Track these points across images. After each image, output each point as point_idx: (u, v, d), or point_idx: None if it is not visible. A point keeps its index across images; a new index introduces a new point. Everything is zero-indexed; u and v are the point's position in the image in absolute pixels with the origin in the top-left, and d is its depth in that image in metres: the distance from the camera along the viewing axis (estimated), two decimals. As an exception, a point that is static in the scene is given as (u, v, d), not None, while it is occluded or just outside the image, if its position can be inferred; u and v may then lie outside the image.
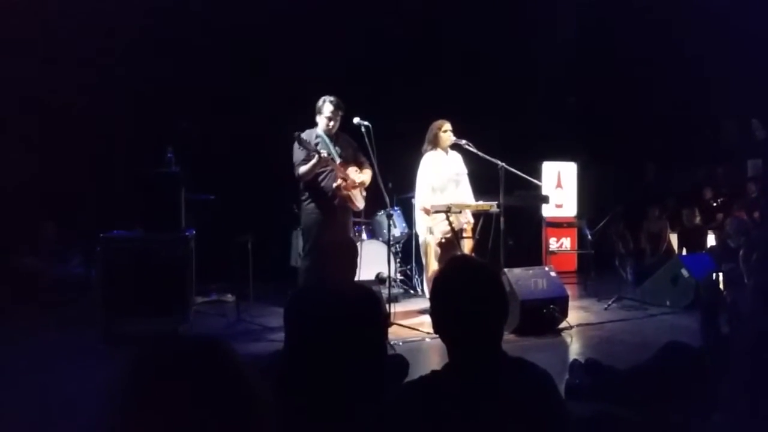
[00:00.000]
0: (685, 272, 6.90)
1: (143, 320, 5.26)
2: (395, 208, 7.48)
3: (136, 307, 5.33)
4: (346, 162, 5.72)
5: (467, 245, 6.29)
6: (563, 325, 5.86)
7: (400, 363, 3.63)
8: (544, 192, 7.58)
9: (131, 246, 5.51)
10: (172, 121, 6.27)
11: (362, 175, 5.74)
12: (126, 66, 7.46)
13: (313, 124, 5.74)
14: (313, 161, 5.45)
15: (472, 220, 6.38)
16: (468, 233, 6.35)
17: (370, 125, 5.67)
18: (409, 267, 8.10)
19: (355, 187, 5.71)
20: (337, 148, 5.71)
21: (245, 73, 8.01)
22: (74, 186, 7.18)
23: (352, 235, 6.30)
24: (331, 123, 5.65)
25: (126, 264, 5.41)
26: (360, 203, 5.89)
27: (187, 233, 5.78)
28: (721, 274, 4.89)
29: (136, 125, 7.33)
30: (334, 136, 5.73)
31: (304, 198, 5.72)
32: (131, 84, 7.49)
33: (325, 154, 5.48)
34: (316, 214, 5.64)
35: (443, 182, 6.35)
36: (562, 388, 3.90)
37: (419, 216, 6.46)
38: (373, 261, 7.23)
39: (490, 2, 8.61)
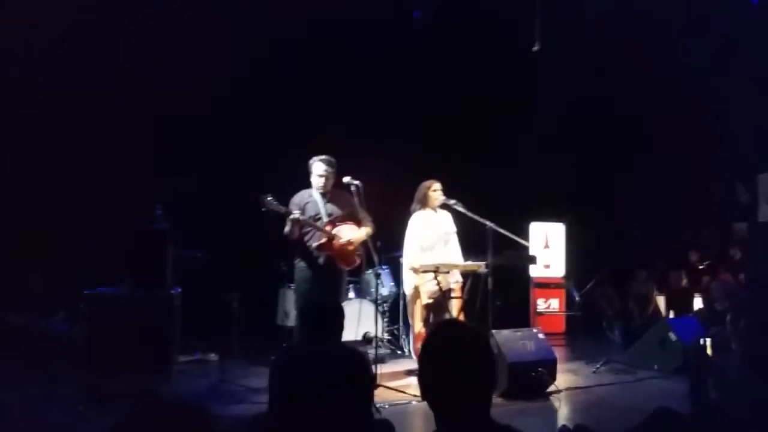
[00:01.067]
0: (672, 336, 6.89)
1: (125, 378, 5.16)
2: (383, 266, 7.47)
3: (119, 365, 5.23)
4: (339, 220, 5.75)
5: (455, 305, 6.26)
6: (552, 388, 5.80)
7: (386, 428, 3.55)
8: (531, 252, 7.61)
9: (115, 303, 5.45)
10: (163, 178, 6.30)
11: (354, 233, 5.75)
12: (119, 121, 7.51)
13: (308, 185, 5.81)
14: (288, 224, 5.55)
15: (460, 280, 6.37)
16: (457, 293, 6.33)
17: (360, 184, 5.74)
18: (396, 327, 8.03)
19: (343, 245, 5.71)
20: (328, 205, 5.76)
21: (237, 131, 8.08)
22: (61, 240, 7.14)
23: (343, 293, 6.28)
24: (323, 181, 5.72)
25: (109, 322, 5.34)
26: (352, 261, 5.88)
27: (172, 291, 5.73)
28: (708, 339, 4.88)
29: (126, 181, 7.34)
30: (327, 195, 5.78)
31: (295, 255, 5.78)
32: (123, 139, 7.52)
33: (298, 216, 5.53)
34: (305, 272, 5.72)
35: (432, 241, 6.36)
36: (550, 454, 3.84)
37: (407, 275, 6.44)
38: (360, 320, 7.17)
39: (479, 61, 8.79)
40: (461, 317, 6.11)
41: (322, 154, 5.88)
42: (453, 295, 6.28)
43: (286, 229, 5.63)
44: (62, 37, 7.04)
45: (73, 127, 7.39)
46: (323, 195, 5.78)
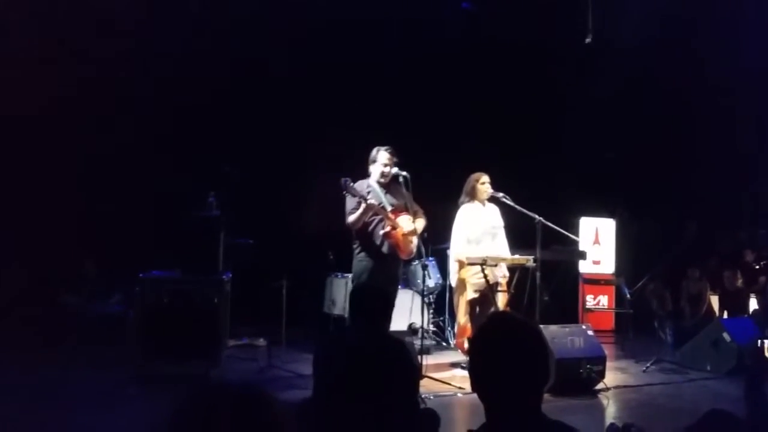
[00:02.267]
0: (726, 336, 6.71)
1: (177, 362, 5.30)
2: (430, 258, 7.46)
3: (171, 348, 5.38)
4: (398, 210, 5.76)
5: (502, 299, 6.22)
6: (600, 386, 5.71)
7: (432, 418, 3.56)
8: (581, 248, 7.49)
9: (168, 287, 5.60)
10: (217, 166, 6.41)
11: (414, 224, 5.75)
12: (173, 110, 7.67)
13: (361, 176, 5.84)
14: (361, 209, 5.52)
15: (507, 274, 6.31)
16: (503, 287, 6.28)
17: (408, 176, 5.74)
18: (442, 318, 8.03)
19: (405, 235, 5.73)
20: (388, 196, 5.78)
21: (290, 120, 8.17)
22: (116, 225, 7.35)
23: (401, 284, 6.30)
24: (387, 169, 5.73)
25: (163, 305, 5.49)
26: (410, 251, 5.89)
27: (224, 276, 5.85)
28: (765, 340, 4.75)
29: (181, 169, 7.49)
30: (385, 186, 5.81)
31: (355, 246, 5.78)
32: (178, 127, 7.68)
33: (374, 202, 5.55)
34: (366, 262, 5.68)
35: (479, 234, 6.32)
36: (598, 452, 3.79)
37: (454, 267, 6.42)
38: (406, 311, 7.19)
39: (527, 57, 8.68)
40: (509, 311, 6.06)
41: (369, 144, 5.89)
42: (499, 288, 6.23)
43: (352, 217, 5.58)
44: (116, 25, 7.21)
45: (131, 113, 7.58)
46: (381, 185, 5.80)
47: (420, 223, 5.88)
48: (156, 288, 5.59)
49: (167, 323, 5.41)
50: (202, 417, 1.25)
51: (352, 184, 5.49)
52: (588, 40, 7.48)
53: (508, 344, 1.76)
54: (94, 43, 7.22)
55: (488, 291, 6.07)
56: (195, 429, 1.21)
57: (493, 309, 6.00)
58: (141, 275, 5.62)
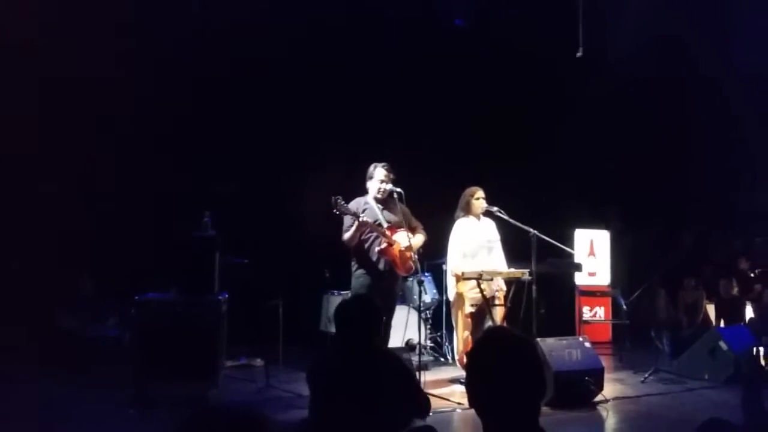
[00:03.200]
0: (723, 345, 6.73)
1: (174, 384, 5.28)
2: (426, 273, 7.47)
3: (168, 370, 5.35)
4: (395, 227, 5.78)
5: (499, 313, 6.22)
6: (599, 398, 5.71)
7: (431, 434, 3.55)
8: (576, 260, 7.52)
9: (165, 309, 5.59)
10: (211, 185, 6.43)
11: (412, 240, 5.77)
12: (168, 128, 7.69)
13: (358, 193, 5.86)
14: (354, 227, 5.55)
15: (504, 287, 6.33)
16: (500, 301, 6.29)
17: (402, 191, 5.77)
18: (439, 334, 8.02)
19: (402, 251, 5.75)
20: (385, 212, 5.81)
21: (284, 138, 8.20)
22: (112, 246, 7.34)
23: (397, 300, 6.31)
24: (383, 186, 5.76)
25: (159, 327, 5.47)
26: (409, 267, 5.90)
27: (220, 297, 5.84)
28: (761, 348, 4.76)
29: (175, 188, 7.51)
30: (383, 203, 5.83)
31: (353, 263, 5.81)
32: (172, 146, 7.70)
33: (368, 219, 5.57)
34: (363, 279, 5.71)
35: (474, 248, 6.34)
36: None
37: (451, 282, 6.43)
38: (403, 327, 7.18)
39: (524, 67, 8.74)
40: (504, 325, 6.06)
41: (363, 161, 5.94)
42: (496, 302, 6.24)
43: (347, 235, 5.63)
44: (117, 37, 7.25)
45: (125, 134, 7.60)
46: (378, 201, 5.83)
47: (418, 239, 5.91)
48: (152, 310, 5.58)
49: (164, 345, 5.39)
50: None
51: (342, 202, 5.53)
52: (579, 54, 7.56)
53: (504, 359, 1.78)
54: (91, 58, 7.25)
55: (485, 305, 6.08)
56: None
57: (489, 323, 6.01)
58: (137, 298, 5.61)
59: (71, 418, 5.08)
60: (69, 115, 7.31)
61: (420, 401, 3.51)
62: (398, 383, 3.34)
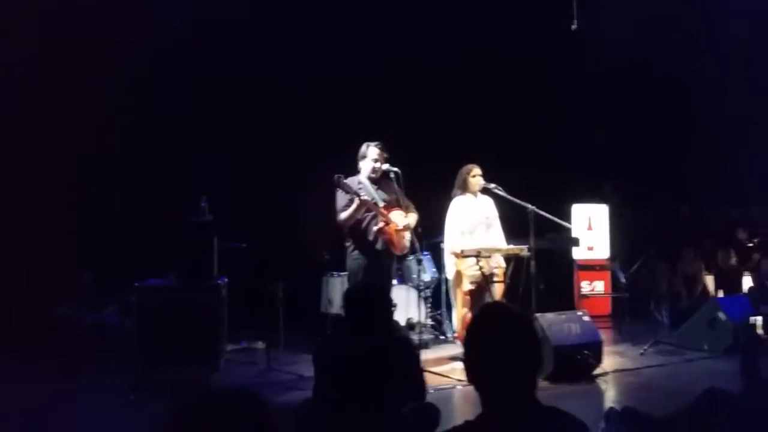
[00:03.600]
0: (722, 315, 6.75)
1: (176, 369, 5.31)
2: (425, 252, 7.47)
3: (169, 356, 5.38)
4: (390, 206, 5.77)
5: (498, 290, 6.24)
6: (598, 371, 5.75)
7: (431, 411, 3.59)
8: (574, 235, 7.53)
9: (165, 295, 5.60)
10: (206, 166, 6.41)
11: (407, 219, 5.76)
12: (161, 112, 7.65)
13: (352, 173, 5.85)
14: (354, 206, 5.52)
15: (503, 264, 6.34)
16: (499, 277, 6.30)
17: (399, 171, 5.76)
18: (439, 312, 8.05)
19: (398, 231, 5.74)
20: (380, 192, 5.79)
21: (279, 120, 8.16)
22: (110, 234, 7.34)
23: (397, 279, 6.32)
24: (377, 165, 5.74)
25: (160, 313, 5.48)
26: (404, 247, 5.90)
27: (219, 281, 5.85)
28: (759, 318, 4.78)
29: (170, 173, 7.48)
30: (377, 182, 5.81)
31: (348, 244, 5.78)
32: (166, 130, 7.66)
33: (367, 198, 5.55)
34: (360, 260, 5.69)
35: (472, 226, 6.35)
36: (598, 437, 3.81)
37: (449, 260, 6.44)
38: (402, 306, 7.20)
39: (518, 46, 8.68)
40: (504, 301, 6.08)
41: (359, 141, 5.91)
42: (495, 279, 6.26)
43: (344, 214, 5.59)
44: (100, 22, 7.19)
45: (118, 119, 7.56)
46: (373, 181, 5.81)
47: (412, 218, 5.90)
48: (152, 296, 5.60)
49: (165, 331, 5.40)
50: (199, 423, 1.26)
51: (345, 180, 5.50)
52: (574, 26, 7.50)
53: (501, 334, 1.80)
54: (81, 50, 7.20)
55: (484, 282, 6.10)
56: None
57: (489, 299, 6.03)
58: (137, 284, 5.62)
59: (72, 406, 5.10)
60: (67, 102, 7.27)
61: (420, 386, 3.54)
62: (403, 368, 3.36)
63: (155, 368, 5.39)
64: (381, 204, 5.71)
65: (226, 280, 6.07)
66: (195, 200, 5.86)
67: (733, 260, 8.72)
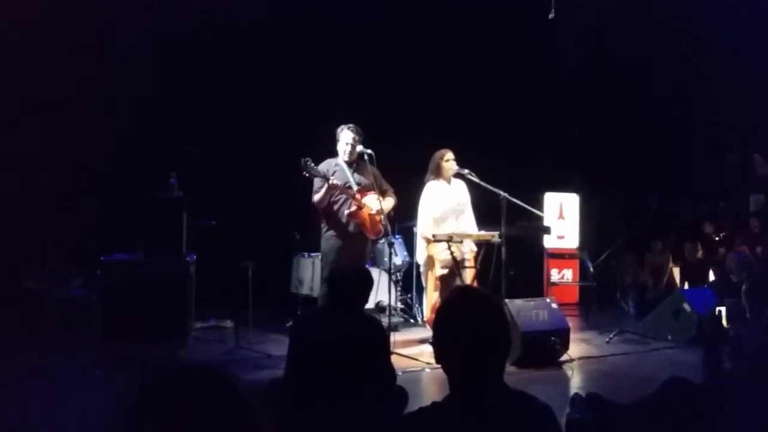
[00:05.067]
0: (687, 306, 6.87)
1: (142, 345, 5.24)
2: (397, 236, 7.47)
3: (135, 331, 5.31)
4: (365, 189, 5.75)
5: (469, 275, 6.27)
6: (564, 357, 5.81)
7: (399, 394, 3.60)
8: (545, 223, 7.58)
9: (131, 270, 5.53)
10: (176, 146, 6.31)
11: (381, 203, 5.75)
12: (131, 88, 7.50)
13: (331, 154, 5.80)
14: (323, 189, 5.50)
15: (475, 249, 6.36)
16: (471, 262, 6.32)
17: (372, 153, 5.74)
18: (409, 296, 8.07)
19: (372, 215, 5.73)
20: (355, 175, 5.77)
21: (250, 99, 8.06)
22: (77, 208, 7.19)
23: (368, 262, 6.33)
24: (350, 149, 5.72)
25: (126, 288, 5.41)
26: (378, 231, 5.89)
27: (187, 258, 5.79)
28: (723, 309, 4.85)
29: (140, 149, 7.36)
30: (353, 164, 5.79)
31: (323, 225, 5.79)
32: (136, 107, 7.53)
33: (337, 182, 5.53)
34: (333, 241, 5.71)
35: (444, 212, 6.35)
36: (562, 422, 3.85)
37: (421, 245, 6.45)
38: (373, 289, 7.18)
39: (492, 35, 8.68)
40: (475, 286, 6.11)
41: (333, 123, 5.87)
42: (467, 264, 6.28)
43: (317, 196, 5.60)
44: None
45: (87, 94, 7.40)
46: (349, 164, 5.79)
47: (389, 202, 5.90)
48: (118, 271, 5.51)
49: (130, 306, 5.33)
50: (163, 398, 1.23)
51: (311, 164, 5.48)
52: (551, 15, 7.50)
53: (469, 317, 1.79)
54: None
55: (455, 267, 6.12)
56: (156, 410, 1.20)
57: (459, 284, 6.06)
58: (102, 258, 5.53)
59: (36, 381, 5.02)
60: (37, 76, 7.09)
61: (390, 370, 3.55)
62: (376, 352, 3.38)
63: (121, 344, 5.32)
64: (355, 187, 5.70)
65: (195, 257, 6.01)
66: (164, 176, 5.77)
67: (700, 253, 8.86)
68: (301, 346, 3.36)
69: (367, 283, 3.54)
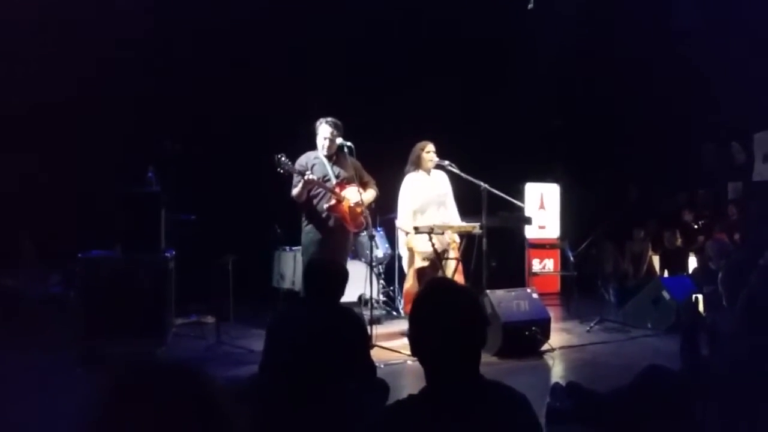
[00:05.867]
0: (666, 294, 6.94)
1: (121, 342, 5.19)
2: (378, 228, 7.46)
3: (115, 328, 5.26)
4: (345, 182, 5.73)
5: (451, 266, 6.27)
6: (545, 347, 5.85)
7: (380, 386, 3.60)
8: (526, 213, 7.61)
9: (110, 266, 5.46)
10: (154, 140, 6.24)
11: (362, 195, 5.73)
12: (109, 84, 7.42)
13: (311, 148, 5.77)
14: (300, 184, 5.48)
15: (458, 239, 6.36)
16: (454, 253, 6.32)
17: (352, 146, 5.72)
18: (391, 288, 8.07)
19: (352, 207, 5.72)
20: (335, 168, 5.75)
21: (229, 92, 7.99)
22: (54, 204, 7.10)
23: (349, 255, 6.32)
24: (328, 143, 5.70)
25: (104, 285, 5.35)
26: (359, 223, 5.88)
27: (166, 254, 5.74)
28: (701, 297, 4.90)
29: (118, 143, 7.27)
30: (333, 157, 5.76)
31: (303, 219, 5.77)
32: (114, 102, 7.44)
33: (313, 177, 5.51)
34: (313, 234, 5.71)
35: (424, 204, 6.34)
36: (543, 411, 3.88)
37: (402, 237, 6.44)
38: (355, 282, 7.18)
39: (476, 26, 8.67)
40: (458, 277, 6.11)
41: (314, 115, 5.84)
42: (449, 256, 6.28)
43: (295, 191, 5.58)
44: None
45: (66, 90, 7.29)
46: (329, 157, 5.76)
47: (369, 194, 5.88)
48: (96, 268, 5.45)
49: (109, 303, 5.28)
50: (130, 398, 1.22)
51: (285, 160, 5.45)
52: (530, 6, 7.51)
53: (443, 310, 1.79)
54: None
55: (436, 259, 6.12)
56: (123, 411, 1.19)
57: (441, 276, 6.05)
58: (80, 255, 5.47)
59: (15, 380, 4.95)
60: (19, 71, 6.98)
61: (370, 363, 3.56)
62: (355, 344, 3.38)
63: (100, 341, 5.26)
64: (334, 181, 5.68)
65: (174, 252, 5.95)
66: (142, 170, 5.71)
67: (679, 241, 8.95)
68: (276, 340, 3.35)
69: (341, 276, 3.53)
